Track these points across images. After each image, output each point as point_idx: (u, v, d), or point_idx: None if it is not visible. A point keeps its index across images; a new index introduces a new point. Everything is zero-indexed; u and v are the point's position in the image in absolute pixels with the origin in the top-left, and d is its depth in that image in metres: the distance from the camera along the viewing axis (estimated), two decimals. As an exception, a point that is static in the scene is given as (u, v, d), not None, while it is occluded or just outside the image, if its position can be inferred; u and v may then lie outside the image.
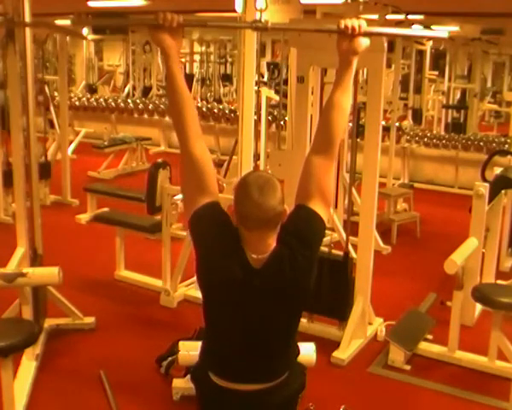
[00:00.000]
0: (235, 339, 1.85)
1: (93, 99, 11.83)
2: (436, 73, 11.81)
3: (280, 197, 1.77)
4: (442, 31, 1.98)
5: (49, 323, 4.16)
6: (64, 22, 6.81)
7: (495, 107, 12.73)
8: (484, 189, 4.36)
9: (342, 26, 1.88)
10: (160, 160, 5.06)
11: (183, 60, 13.59)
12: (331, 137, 1.92)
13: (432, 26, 8.59)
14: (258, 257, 1.78)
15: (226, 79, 13.97)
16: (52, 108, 8.04)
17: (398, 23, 7.46)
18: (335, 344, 4.05)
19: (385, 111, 6.80)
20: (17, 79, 3.93)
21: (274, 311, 1.82)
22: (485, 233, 4.60)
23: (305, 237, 1.84)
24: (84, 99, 11.84)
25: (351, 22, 1.87)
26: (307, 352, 3.05)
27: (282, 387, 1.90)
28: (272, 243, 1.80)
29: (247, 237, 1.78)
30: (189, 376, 3.13)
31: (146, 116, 11.18)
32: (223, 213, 1.86)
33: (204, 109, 10.66)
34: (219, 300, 1.84)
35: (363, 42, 1.90)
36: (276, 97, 6.34)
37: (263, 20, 1.97)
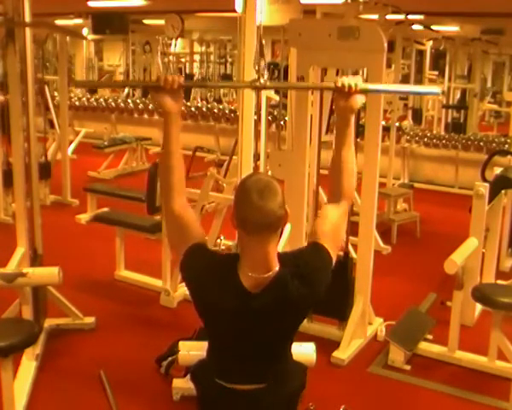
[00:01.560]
0: (234, 351, 1.87)
1: (93, 99, 11.84)
2: (436, 73, 11.81)
3: (280, 201, 1.75)
4: (435, 87, 2.09)
5: (49, 323, 4.16)
6: (64, 22, 6.83)
7: (495, 107, 12.72)
8: (484, 189, 4.36)
9: (339, 84, 1.91)
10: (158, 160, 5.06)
11: (182, 60, 13.60)
12: (343, 195, 1.99)
13: (432, 26, 8.60)
14: (258, 276, 1.76)
15: (226, 79, 13.96)
16: (52, 108, 8.03)
17: (399, 23, 7.47)
18: (335, 344, 4.05)
19: (385, 111, 6.80)
20: (17, 79, 3.93)
21: (273, 329, 1.83)
22: (485, 233, 4.60)
23: (313, 267, 1.85)
24: (84, 99, 11.85)
25: (347, 81, 1.90)
26: (307, 352, 3.04)
27: (283, 386, 1.90)
28: (272, 252, 1.78)
29: (247, 242, 1.77)
30: (189, 376, 3.13)
31: (146, 116, 11.19)
32: (209, 251, 1.90)
33: (204, 109, 10.67)
34: (218, 325, 1.87)
35: (360, 99, 1.94)
36: (276, 97, 6.34)
37: (261, 81, 2.03)
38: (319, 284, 1.86)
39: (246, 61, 3.76)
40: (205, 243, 1.91)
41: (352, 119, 1.97)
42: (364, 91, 1.94)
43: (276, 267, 1.79)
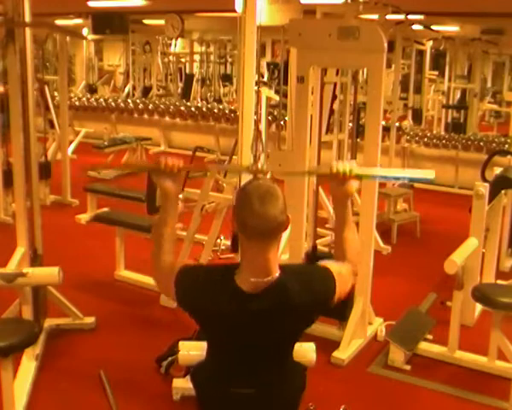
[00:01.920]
0: (234, 356, 1.86)
1: (93, 99, 11.84)
2: (436, 73, 11.81)
3: (281, 207, 1.75)
4: (429, 173, 2.10)
5: (49, 323, 4.16)
6: (64, 22, 6.82)
7: (495, 107, 12.73)
8: (484, 189, 4.36)
9: (334, 170, 1.90)
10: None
11: (182, 60, 13.60)
12: (352, 267, 2.00)
13: (432, 26, 8.61)
14: (257, 280, 1.76)
15: (226, 79, 13.97)
16: (52, 108, 8.03)
17: (399, 23, 7.47)
18: (335, 344, 4.05)
19: (385, 111, 6.80)
20: (17, 79, 3.93)
21: (272, 334, 1.82)
22: (485, 233, 4.60)
23: (316, 280, 1.86)
24: (84, 99, 11.85)
25: (342, 167, 1.90)
26: (307, 352, 3.04)
27: (283, 387, 1.90)
28: (273, 258, 1.78)
29: (247, 247, 1.77)
30: (188, 376, 3.13)
31: (146, 116, 11.19)
32: (196, 266, 1.94)
33: (204, 109, 10.67)
34: (217, 333, 1.87)
35: (354, 184, 1.94)
36: (276, 97, 6.34)
37: (259, 166, 2.04)
38: (321, 294, 1.86)
39: (246, 61, 3.76)
40: (186, 264, 1.92)
41: (349, 202, 1.98)
42: (359, 177, 1.95)
43: (277, 273, 1.79)
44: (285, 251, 4.50)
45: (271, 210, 1.72)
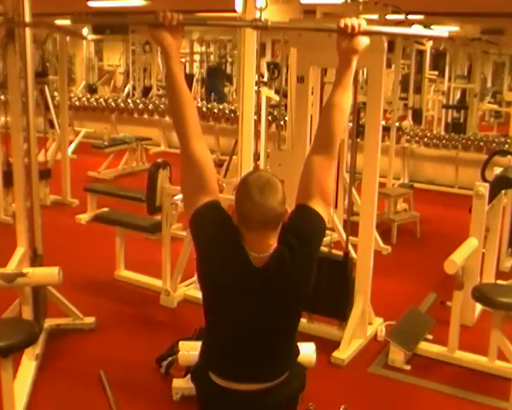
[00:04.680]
0: (235, 338, 1.86)
1: (93, 99, 11.84)
2: (436, 73, 11.81)
3: (281, 198, 1.76)
4: (442, 30, 2.01)
5: (49, 323, 4.16)
6: (64, 22, 6.81)
7: (495, 107, 12.73)
8: (484, 189, 4.36)
9: (342, 24, 1.88)
10: (159, 160, 5.06)
11: (182, 60, 13.60)
12: (331, 137, 1.92)
13: (432, 26, 8.60)
14: (259, 256, 1.77)
15: (226, 79, 13.96)
16: (52, 108, 8.03)
17: (398, 23, 7.47)
18: (335, 344, 4.05)
19: (385, 111, 6.79)
20: (17, 79, 3.93)
21: (274, 309, 1.82)
22: (485, 233, 4.60)
23: (305, 235, 1.84)
24: (84, 99, 11.85)
25: (350, 21, 1.87)
26: (307, 352, 3.05)
27: (282, 387, 1.90)
28: (273, 243, 1.80)
29: (248, 236, 1.78)
30: (189, 376, 3.13)
31: (146, 116, 11.19)
32: (223, 212, 1.86)
33: (204, 109, 10.67)
34: (220, 298, 1.85)
35: (363, 41, 1.90)
36: (276, 97, 6.34)
37: (263, 19, 1.97)
38: (313, 251, 1.85)
39: (246, 61, 3.76)
40: (218, 200, 1.87)
41: (354, 61, 1.92)
42: (368, 33, 1.89)
43: (275, 245, 1.80)
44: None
45: (271, 201, 1.73)
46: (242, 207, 1.76)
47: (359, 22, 1.87)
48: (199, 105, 11.01)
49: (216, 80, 12.38)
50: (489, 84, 13.68)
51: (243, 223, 1.77)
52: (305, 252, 1.82)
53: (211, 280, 1.84)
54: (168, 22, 1.83)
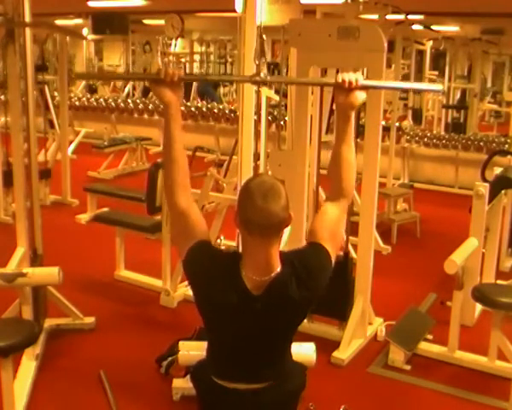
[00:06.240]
0: (234, 349, 1.87)
1: (93, 99, 11.84)
2: (436, 73, 11.81)
3: (284, 203, 1.75)
4: (438, 85, 2.08)
5: (49, 323, 4.16)
6: (64, 22, 6.83)
7: (495, 107, 12.73)
8: (484, 189, 4.36)
9: (339, 80, 1.90)
10: (160, 160, 5.06)
11: (182, 60, 13.60)
12: (342, 192, 1.97)
13: (432, 26, 8.61)
14: (260, 279, 1.76)
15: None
16: (52, 108, 8.03)
17: (399, 23, 7.47)
18: (335, 344, 4.05)
19: (385, 111, 6.80)
20: (17, 79, 3.93)
21: (274, 329, 1.83)
22: (485, 233, 4.60)
23: (315, 270, 1.85)
24: (84, 99, 11.85)
25: (348, 76, 1.89)
26: (307, 352, 3.05)
27: (282, 386, 1.90)
28: (275, 254, 1.78)
29: (249, 242, 1.78)
30: (189, 376, 3.14)
31: (146, 116, 11.19)
32: (212, 248, 1.89)
33: (204, 109, 10.67)
34: (218, 322, 1.87)
35: (360, 95, 1.92)
36: (276, 97, 6.34)
37: (261, 75, 2.02)
38: (319, 287, 1.86)
39: (246, 61, 3.76)
40: (209, 240, 1.90)
41: (353, 115, 1.95)
42: (365, 87, 1.92)
43: (278, 268, 1.79)
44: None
45: (274, 207, 1.72)
46: (245, 213, 1.75)
47: (356, 77, 1.89)
48: (199, 105, 11.02)
49: (208, 84, 12.46)
50: (489, 84, 13.68)
51: (246, 228, 1.76)
52: (311, 285, 1.81)
53: (208, 309, 1.86)
54: (169, 78, 1.87)
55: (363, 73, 8.57)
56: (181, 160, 1.91)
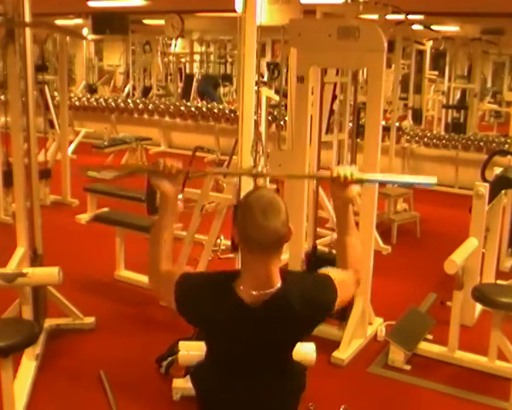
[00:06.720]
0: (232, 358, 1.86)
1: (93, 99, 11.84)
2: (436, 73, 11.82)
3: (284, 218, 1.73)
4: (432, 179, 2.08)
5: (49, 323, 4.16)
6: (64, 22, 6.83)
7: (495, 107, 12.74)
8: (484, 189, 4.36)
9: (335, 174, 1.89)
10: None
11: (182, 60, 13.61)
12: (350, 270, 1.97)
13: (432, 26, 8.61)
14: (258, 292, 1.75)
15: (226, 79, 13.97)
16: (52, 108, 8.03)
17: (399, 23, 7.48)
18: (335, 344, 4.05)
19: (385, 111, 6.80)
20: (17, 79, 3.93)
21: (273, 341, 1.82)
22: (485, 233, 4.60)
23: (317, 296, 1.84)
24: (84, 99, 11.85)
25: (343, 171, 1.89)
26: (307, 352, 3.05)
27: (283, 386, 1.90)
28: (275, 269, 1.77)
29: (249, 259, 1.76)
30: (188, 376, 3.13)
31: (146, 116, 11.19)
32: (196, 274, 1.93)
33: (204, 109, 10.67)
34: (214, 336, 1.86)
35: (355, 188, 1.93)
36: (276, 97, 6.35)
37: (260, 169, 2.03)
38: (322, 304, 1.85)
39: (246, 61, 3.76)
40: (187, 272, 1.90)
41: (350, 207, 1.96)
42: (360, 181, 1.93)
43: (278, 284, 1.78)
44: (285, 251, 4.49)
45: (274, 223, 1.70)
46: (244, 229, 1.73)
47: (351, 171, 1.89)
48: (199, 105, 11.02)
49: (208, 84, 12.52)
50: (489, 84, 13.69)
51: (245, 244, 1.75)
52: (310, 312, 1.82)
53: (200, 324, 1.88)
54: (168, 171, 1.90)
55: (363, 74, 8.58)
56: (167, 247, 1.92)
